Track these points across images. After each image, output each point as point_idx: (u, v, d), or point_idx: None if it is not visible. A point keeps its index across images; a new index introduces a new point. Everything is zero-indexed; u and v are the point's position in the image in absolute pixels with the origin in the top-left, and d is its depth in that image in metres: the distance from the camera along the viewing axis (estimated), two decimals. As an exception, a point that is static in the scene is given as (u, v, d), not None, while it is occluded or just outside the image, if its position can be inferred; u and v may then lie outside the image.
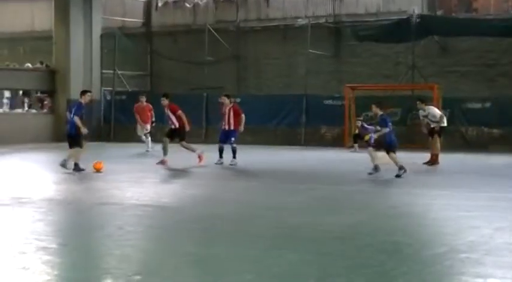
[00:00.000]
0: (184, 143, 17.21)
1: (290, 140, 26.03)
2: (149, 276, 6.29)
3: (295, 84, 27.73)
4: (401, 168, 14.67)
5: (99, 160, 15.83)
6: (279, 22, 29.44)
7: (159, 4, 32.08)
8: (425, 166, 17.66)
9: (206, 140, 25.42)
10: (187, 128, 17.22)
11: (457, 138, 23.84)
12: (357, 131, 22.59)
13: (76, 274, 6.40)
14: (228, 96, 18.40)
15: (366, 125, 18.55)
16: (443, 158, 18.17)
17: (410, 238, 8.25)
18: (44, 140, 26.26)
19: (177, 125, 17.22)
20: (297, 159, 20.73)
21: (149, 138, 21.93)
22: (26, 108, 29.00)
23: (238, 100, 21.99)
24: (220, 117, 18.48)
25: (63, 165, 15.31)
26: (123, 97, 28.91)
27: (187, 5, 31.39)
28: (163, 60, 31.14)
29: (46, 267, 6.54)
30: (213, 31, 29.23)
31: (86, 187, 13.54)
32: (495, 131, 24.13)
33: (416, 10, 25.63)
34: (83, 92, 16.24)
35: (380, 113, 15.22)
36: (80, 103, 15.89)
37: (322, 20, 28.22)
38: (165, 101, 17.39)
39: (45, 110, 29.17)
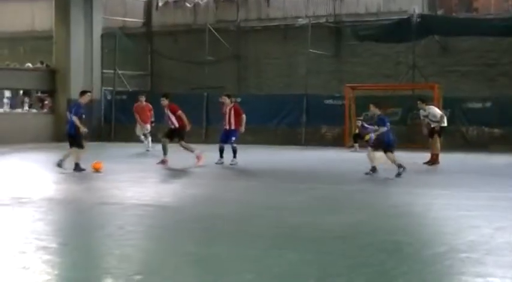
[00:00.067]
0: (183, 142, 17.19)
1: (290, 139, 26.04)
2: (150, 275, 6.29)
3: (296, 84, 27.74)
4: (400, 166, 14.68)
5: (98, 160, 15.83)
6: (280, 22, 29.46)
7: (160, 4, 32.10)
8: (426, 166, 17.65)
9: (206, 140, 25.44)
10: (187, 128, 17.22)
11: (458, 138, 23.84)
12: (357, 131, 22.61)
13: (76, 274, 6.40)
14: (228, 96, 18.39)
15: (366, 125, 18.56)
16: (443, 157, 18.17)
17: (410, 237, 8.24)
18: (44, 140, 26.26)
19: (177, 125, 17.21)
20: (298, 159, 20.73)
21: (149, 138, 21.93)
22: (26, 108, 29.00)
23: (238, 100, 21.99)
24: (220, 117, 18.48)
25: (60, 165, 15.31)
26: (124, 97, 28.92)
27: (188, 5, 31.41)
28: (163, 60, 31.16)
29: (46, 267, 6.54)
30: (214, 31, 29.23)
31: (86, 187, 13.54)
32: (495, 130, 24.13)
33: (417, 10, 25.64)
34: (83, 92, 16.25)
35: (378, 112, 15.23)
36: (79, 103, 15.91)
37: (323, 20, 28.24)
38: (164, 101, 17.37)
39: (45, 110, 29.19)
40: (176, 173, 16.03)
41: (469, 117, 24.23)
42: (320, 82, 27.56)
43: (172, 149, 17.34)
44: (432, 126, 18.01)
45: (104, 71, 29.46)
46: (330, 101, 26.18)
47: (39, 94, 29.81)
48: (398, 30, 25.57)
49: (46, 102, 29.33)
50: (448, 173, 16.51)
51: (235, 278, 6.22)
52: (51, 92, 28.88)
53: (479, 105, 24.36)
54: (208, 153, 18.02)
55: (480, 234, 8.26)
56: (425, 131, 18.37)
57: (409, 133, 24.21)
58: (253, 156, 19.99)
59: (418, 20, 25.11)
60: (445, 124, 18.21)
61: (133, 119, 22.72)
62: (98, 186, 13.62)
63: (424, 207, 10.79)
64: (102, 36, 29.53)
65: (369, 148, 15.22)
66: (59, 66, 28.66)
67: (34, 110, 29.16)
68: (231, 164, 17.17)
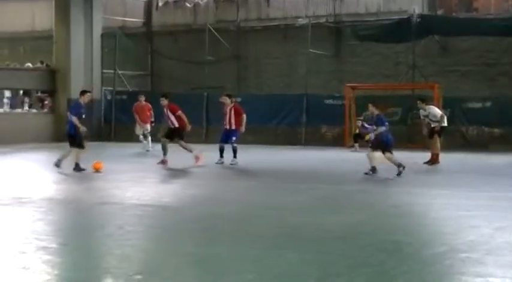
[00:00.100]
0: (182, 142, 17.17)
1: (290, 139, 26.04)
2: (150, 276, 6.29)
3: (296, 84, 27.75)
4: (399, 165, 14.72)
5: (98, 160, 15.83)
6: (280, 22, 29.46)
7: (160, 4, 32.10)
8: (426, 165, 17.66)
9: (207, 140, 25.44)
10: (188, 128, 17.21)
11: (458, 138, 23.84)
12: (357, 131, 22.62)
13: (76, 274, 6.40)
14: (229, 96, 18.40)
15: (366, 125, 18.59)
16: (443, 157, 18.17)
17: (410, 237, 8.25)
18: (44, 140, 26.26)
19: (176, 125, 17.21)
20: (298, 159, 20.73)
21: (149, 138, 21.93)
22: (26, 108, 29.00)
23: (238, 100, 21.98)
24: (221, 117, 18.48)
25: (57, 164, 15.32)
26: (124, 97, 28.90)
27: (188, 5, 31.41)
28: (163, 59, 31.17)
29: (46, 267, 6.55)
30: (214, 31, 29.24)
31: (87, 187, 13.54)
32: (495, 130, 24.13)
33: (417, 10, 25.64)
34: (83, 92, 16.26)
35: (376, 112, 15.25)
36: (79, 103, 15.93)
37: (323, 20, 28.24)
38: (164, 101, 17.36)
39: (45, 110, 29.18)
40: (176, 173, 16.03)
41: (469, 117, 24.22)
42: (320, 82, 27.56)
43: (172, 149, 17.34)
44: (432, 126, 18.01)
45: (104, 70, 29.46)
46: (330, 101, 26.17)
47: (39, 94, 29.81)
48: (398, 30, 25.56)
49: (46, 102, 29.33)
50: (448, 173, 16.52)
51: (235, 278, 6.22)
52: (51, 92, 28.88)
53: (479, 105, 24.36)
54: (209, 153, 18.02)
55: (480, 234, 8.27)
56: (425, 131, 18.38)
57: (409, 133, 24.23)
58: (253, 156, 19.99)
59: (418, 20, 25.11)
60: (445, 124, 18.21)
61: (134, 119, 22.72)
62: (98, 186, 13.62)
63: (424, 207, 10.80)
64: (102, 36, 29.53)
65: (369, 148, 15.24)
66: (59, 66, 28.66)
67: (34, 110, 29.16)
68: (231, 164, 17.17)
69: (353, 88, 25.65)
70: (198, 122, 24.97)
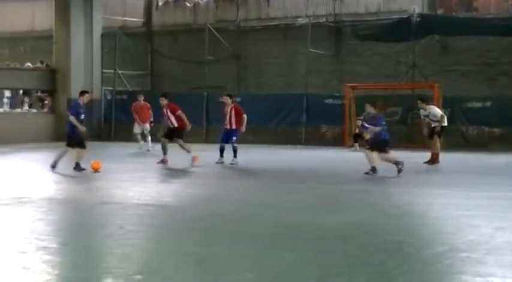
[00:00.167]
0: (181, 141, 17.14)
1: (290, 139, 26.04)
2: (150, 275, 6.30)
3: (296, 84, 27.75)
4: (397, 163, 14.76)
5: (97, 160, 15.83)
6: (280, 21, 29.46)
7: (160, 3, 32.12)
8: (426, 165, 17.66)
9: (207, 140, 25.46)
10: (188, 127, 17.21)
11: (458, 138, 23.84)
12: (357, 131, 22.61)
13: (77, 274, 6.40)
14: (230, 95, 18.40)
15: (366, 125, 18.54)
16: (443, 157, 18.18)
17: (411, 237, 8.25)
18: (44, 140, 26.25)
19: (176, 125, 17.21)
20: (297, 159, 20.74)
21: (149, 138, 21.92)
22: (26, 107, 28.99)
23: (238, 99, 21.98)
24: (221, 116, 18.48)
25: (54, 166, 15.32)
26: (124, 97, 28.89)
27: (188, 5, 31.42)
28: (163, 59, 31.17)
29: (46, 267, 6.55)
30: (214, 30, 29.24)
31: (87, 186, 13.55)
32: (495, 130, 24.13)
33: (417, 9, 25.64)
34: (82, 93, 16.26)
35: (373, 111, 15.27)
36: (78, 103, 15.95)
37: (323, 19, 28.24)
38: (164, 101, 17.36)
39: (45, 110, 29.18)
40: (176, 173, 16.03)
41: (469, 117, 24.22)
42: (320, 82, 27.56)
43: (172, 149, 17.34)
44: (433, 125, 18.01)
45: (104, 70, 29.46)
46: (330, 101, 26.17)
47: (39, 94, 29.81)
48: (398, 29, 25.56)
49: (46, 102, 29.33)
50: (448, 173, 16.52)
51: (235, 278, 6.22)
52: (51, 92, 28.88)
53: (479, 104, 24.36)
54: (209, 152, 18.01)
55: (480, 233, 8.27)
56: (425, 130, 18.38)
57: (409, 133, 24.25)
58: (253, 155, 20.00)
59: (418, 19, 25.10)
60: (446, 124, 18.21)
61: (133, 118, 22.68)
62: (98, 186, 13.63)
63: (424, 206, 10.80)
64: (102, 35, 29.53)
65: (366, 149, 15.27)
66: (59, 66, 28.66)
67: (34, 110, 29.15)
68: (231, 164, 17.17)
69: (353, 88, 25.65)
70: (198, 122, 24.97)
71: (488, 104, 24.23)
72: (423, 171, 16.74)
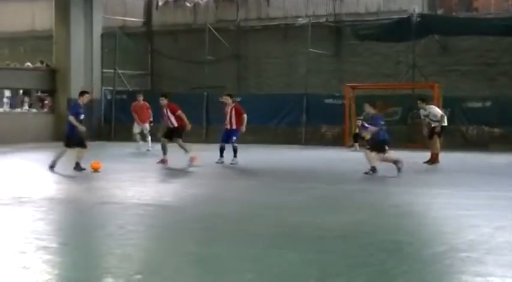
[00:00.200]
0: (180, 141, 17.12)
1: (290, 139, 26.04)
2: (150, 275, 6.30)
3: (296, 84, 27.75)
4: (396, 162, 14.79)
5: (97, 160, 15.83)
6: (280, 21, 29.47)
7: (160, 3, 32.12)
8: (426, 165, 17.66)
9: (207, 140, 25.46)
10: (188, 127, 17.21)
11: (458, 137, 23.85)
12: (357, 130, 22.60)
13: (77, 273, 6.40)
14: (230, 95, 18.41)
15: (366, 125, 18.55)
16: (443, 157, 18.18)
17: (410, 237, 8.25)
18: (44, 140, 26.25)
19: (176, 125, 17.21)
20: (297, 159, 20.74)
21: (149, 138, 21.92)
22: (26, 107, 28.99)
23: (238, 99, 21.99)
24: (221, 116, 18.48)
25: (52, 166, 15.33)
26: (124, 96, 28.88)
27: (188, 4, 31.43)
28: (163, 59, 31.17)
29: (46, 267, 6.55)
30: (214, 30, 29.24)
31: (87, 186, 13.55)
32: (495, 130, 24.14)
33: (417, 9, 25.65)
34: (81, 93, 16.27)
35: (372, 111, 15.28)
36: (78, 103, 15.97)
37: (323, 19, 28.25)
38: (164, 101, 17.36)
39: (45, 110, 29.19)
40: (176, 173, 16.03)
41: (469, 117, 24.23)
42: (320, 81, 27.56)
43: (172, 149, 17.34)
44: (433, 125, 18.01)
45: (104, 70, 29.47)
46: (330, 101, 26.18)
47: (39, 94, 29.81)
48: (398, 29, 25.56)
49: (46, 101, 29.33)
50: (448, 172, 16.53)
51: (235, 278, 6.22)
52: (51, 92, 28.88)
53: (479, 104, 24.37)
54: (209, 152, 18.01)
55: (480, 233, 8.27)
56: (425, 130, 18.37)
57: (409, 132, 24.26)
58: (253, 155, 20.00)
59: (418, 19, 25.11)
60: (446, 124, 18.21)
61: (133, 118, 22.68)
62: (98, 186, 13.63)
63: (424, 206, 10.81)
64: (102, 35, 29.53)
65: (366, 149, 15.29)
66: (59, 66, 28.66)
67: (34, 110, 29.16)
68: (231, 164, 17.18)
69: (353, 88, 25.65)
70: (198, 122, 24.97)
71: (488, 104, 24.24)
72: (423, 171, 16.74)
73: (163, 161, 16.96)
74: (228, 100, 18.06)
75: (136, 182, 13.92)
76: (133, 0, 32.14)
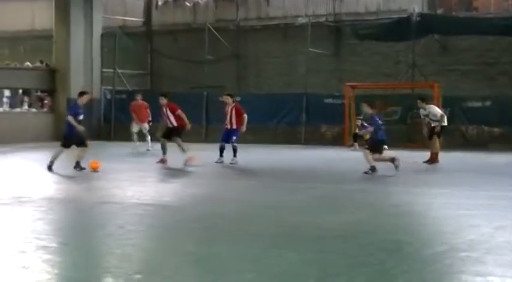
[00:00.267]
0: (179, 140, 17.09)
1: (290, 138, 26.05)
2: (150, 275, 6.29)
3: (296, 83, 27.75)
4: (392, 160, 14.81)
5: (96, 159, 15.83)
6: (279, 21, 29.47)
7: (160, 3, 32.14)
8: (425, 165, 17.66)
9: (206, 139, 25.47)
10: (188, 127, 17.21)
11: (457, 137, 23.86)
12: (357, 130, 22.61)
13: (76, 273, 6.40)
14: (230, 95, 18.41)
15: (366, 124, 18.57)
16: (443, 156, 18.18)
17: (410, 237, 8.25)
18: (44, 139, 26.24)
19: (175, 124, 17.20)
20: (297, 158, 20.73)
21: (149, 137, 21.92)
22: (26, 107, 28.98)
23: (238, 99, 21.98)
24: (220, 116, 18.48)
25: (50, 167, 15.32)
26: (123, 96, 28.88)
27: (188, 4, 31.43)
28: (163, 59, 31.17)
29: (46, 266, 6.54)
30: (213, 30, 29.24)
31: (87, 186, 13.54)
32: (495, 129, 24.15)
33: (417, 9, 25.65)
34: (81, 94, 16.27)
35: (370, 111, 15.28)
36: (77, 104, 15.98)
37: (323, 19, 28.25)
38: (163, 100, 17.35)
39: (45, 109, 29.18)
40: (176, 173, 16.02)
41: (469, 116, 24.24)
42: (320, 81, 27.56)
43: (172, 149, 17.32)
44: (433, 125, 18.00)
45: (104, 70, 29.47)
46: (329, 100, 26.19)
47: (38, 93, 29.80)
48: (398, 29, 25.57)
49: (46, 101, 29.33)
50: (448, 172, 16.53)
51: (235, 278, 6.22)
52: (51, 92, 28.88)
53: (478, 104, 24.37)
54: (208, 152, 18.00)
55: (480, 233, 8.27)
56: (425, 130, 18.36)
57: (408, 132, 24.27)
58: (253, 155, 20.00)
59: (418, 19, 25.12)
60: (445, 123, 18.20)
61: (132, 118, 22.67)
62: (98, 186, 13.62)
63: (424, 206, 10.80)
64: (102, 35, 29.55)
65: (365, 149, 15.30)
66: (59, 66, 28.67)
67: (34, 109, 29.15)
68: (231, 163, 17.17)
69: (353, 87, 25.65)
70: (197, 121, 24.97)
71: (488, 103, 24.24)
72: (423, 170, 16.74)
73: (162, 161, 16.96)
74: (228, 100, 18.06)
75: (135, 181, 13.92)
76: (133, 0, 32.16)
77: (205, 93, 27.93)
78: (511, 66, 25.47)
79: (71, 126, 15.45)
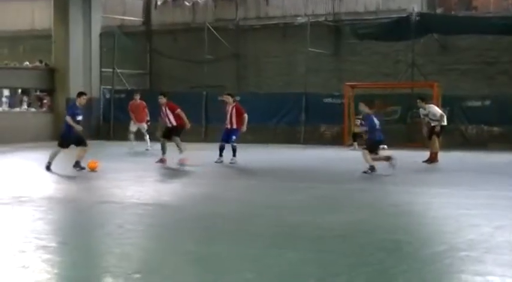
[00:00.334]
0: (178, 139, 17.07)
1: (290, 138, 26.04)
2: (149, 274, 6.29)
3: (295, 83, 27.73)
4: (388, 158, 14.83)
5: (94, 159, 15.82)
6: (279, 20, 29.44)
7: (159, 3, 32.11)
8: (425, 164, 17.65)
9: (206, 139, 25.46)
10: (187, 126, 17.20)
11: (457, 136, 23.85)
12: (356, 130, 22.60)
13: (76, 273, 6.40)
14: (231, 95, 18.40)
15: (363, 123, 18.63)
16: (442, 156, 18.18)
17: (410, 236, 8.25)
18: (43, 139, 26.20)
19: (174, 124, 17.19)
20: (297, 158, 20.73)
21: (147, 137, 21.91)
22: (25, 106, 28.96)
23: (238, 98, 21.96)
24: (220, 115, 18.47)
25: (48, 167, 15.31)
26: (122, 96, 28.83)
27: (187, 4, 31.41)
28: (162, 58, 31.15)
29: (46, 266, 6.55)
30: (213, 29, 29.22)
31: (86, 186, 13.54)
32: (495, 129, 24.14)
33: (416, 8, 25.63)
34: (79, 94, 16.27)
35: (367, 111, 15.29)
36: (75, 104, 16.01)
37: (322, 18, 28.23)
38: (162, 100, 17.34)
39: (44, 109, 29.16)
40: (175, 172, 16.02)
41: (469, 116, 24.22)
42: (319, 81, 27.55)
43: (171, 149, 17.32)
44: (432, 125, 17.99)
45: (103, 69, 29.45)
46: (329, 100, 26.17)
47: (38, 93, 29.78)
48: (398, 28, 25.55)
49: (45, 101, 29.30)
50: (448, 172, 16.52)
51: (235, 277, 6.22)
52: (50, 91, 28.85)
53: (478, 103, 24.35)
54: (208, 151, 18.00)
55: (480, 232, 8.27)
56: (425, 130, 18.35)
57: (408, 132, 24.26)
58: (252, 155, 19.99)
59: (417, 18, 25.09)
60: (445, 123, 18.20)
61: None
62: (98, 185, 13.62)
63: (424, 206, 10.80)
64: (101, 35, 29.53)
65: (363, 149, 15.32)
66: (58, 65, 28.64)
67: (33, 109, 29.13)
68: (230, 163, 17.17)
69: (352, 87, 25.64)
70: (197, 121, 24.95)
71: (487, 103, 24.22)
72: (422, 170, 16.74)
73: (162, 161, 16.95)
74: (228, 99, 18.05)
75: (135, 181, 13.91)
76: (132, 0, 32.12)
77: (204, 92, 27.91)
78: (511, 65, 25.45)
79: (69, 126, 15.47)
